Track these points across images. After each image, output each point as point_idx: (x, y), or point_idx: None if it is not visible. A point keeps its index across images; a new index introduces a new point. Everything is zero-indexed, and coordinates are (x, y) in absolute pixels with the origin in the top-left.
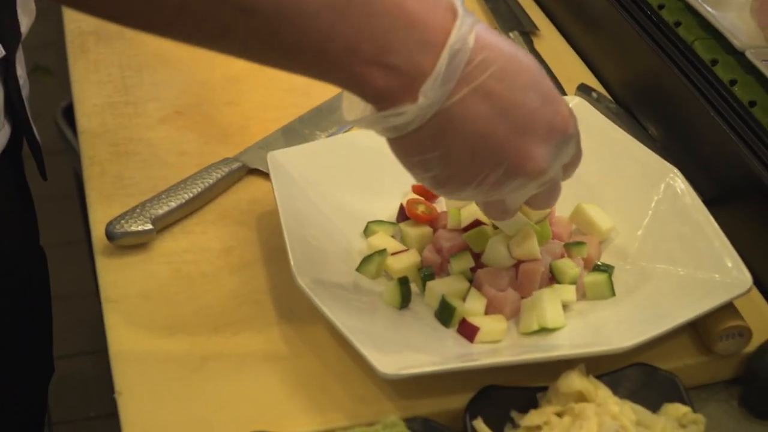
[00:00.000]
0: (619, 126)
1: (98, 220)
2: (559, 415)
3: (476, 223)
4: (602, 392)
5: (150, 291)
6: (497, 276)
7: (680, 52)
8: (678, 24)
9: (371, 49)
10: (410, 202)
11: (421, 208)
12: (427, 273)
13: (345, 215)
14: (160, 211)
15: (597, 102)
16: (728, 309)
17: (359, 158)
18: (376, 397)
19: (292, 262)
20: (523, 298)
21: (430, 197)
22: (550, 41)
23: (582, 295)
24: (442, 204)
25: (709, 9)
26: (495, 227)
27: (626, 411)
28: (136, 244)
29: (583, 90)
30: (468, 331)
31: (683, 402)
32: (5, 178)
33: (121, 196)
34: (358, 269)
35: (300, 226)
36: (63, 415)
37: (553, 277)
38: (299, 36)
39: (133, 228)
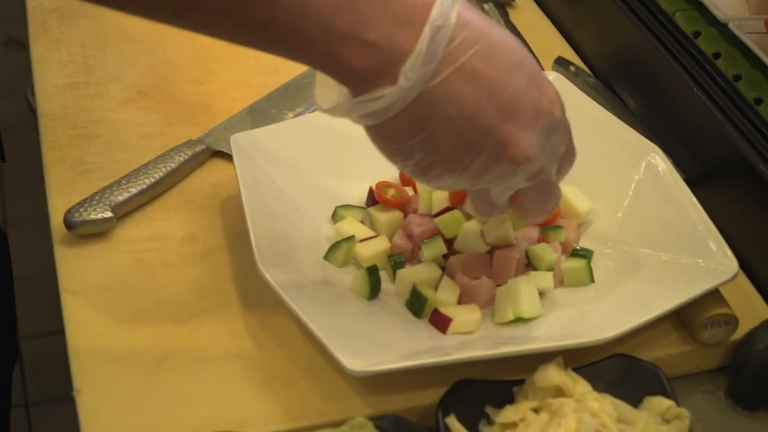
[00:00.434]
0: (598, 102)
1: (57, 207)
2: (536, 410)
3: (449, 208)
4: (581, 387)
5: (110, 282)
6: (471, 263)
7: (661, 23)
8: None
9: (346, 24)
10: (380, 185)
11: (391, 192)
12: (398, 260)
13: (312, 200)
14: (121, 198)
15: (575, 76)
16: (713, 296)
17: (327, 139)
18: (345, 394)
19: (255, 252)
20: (498, 286)
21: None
22: (527, 13)
23: (560, 282)
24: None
25: None
26: (467, 213)
27: (606, 407)
28: (96, 232)
29: (561, 63)
30: (440, 322)
31: (666, 395)
32: None
33: (82, 181)
34: (325, 257)
35: (265, 213)
36: (40, 395)
37: (529, 264)
38: (270, 10)
39: (93, 216)
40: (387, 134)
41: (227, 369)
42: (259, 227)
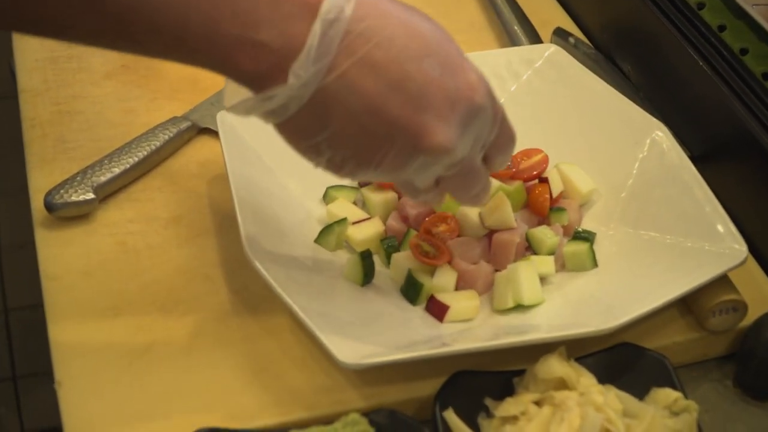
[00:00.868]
0: (599, 75)
1: (38, 188)
2: (538, 403)
3: None
4: (585, 379)
5: (92, 267)
6: (468, 247)
7: None
8: None
9: (234, 27)
10: None
11: None
12: (392, 244)
13: (303, 180)
14: (103, 179)
15: (574, 48)
16: (722, 281)
17: None
18: (339, 385)
19: (243, 237)
20: (497, 271)
21: None
22: None
23: (561, 266)
24: None
25: None
26: None
27: (611, 400)
28: (78, 215)
29: (560, 35)
30: (437, 310)
31: (674, 386)
32: None
33: (63, 160)
34: (316, 241)
35: (253, 195)
36: (28, 368)
37: (529, 247)
38: (152, 19)
39: (74, 198)
40: (292, 132)
41: (214, 359)
42: (247, 209)
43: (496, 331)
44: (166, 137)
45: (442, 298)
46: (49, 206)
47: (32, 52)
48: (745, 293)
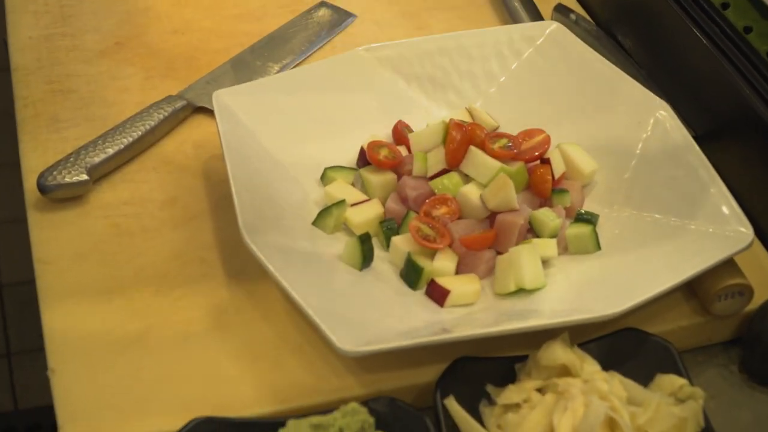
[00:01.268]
0: (601, 53)
1: (31, 168)
2: (541, 390)
3: (445, 170)
4: (588, 366)
5: (86, 250)
6: (470, 230)
7: None
8: None
9: None
10: (371, 145)
11: (383, 152)
12: (391, 227)
13: (300, 161)
14: (97, 159)
15: (575, 25)
16: (727, 265)
17: (316, 95)
18: (337, 372)
19: (240, 219)
20: (498, 254)
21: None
22: None
23: (564, 249)
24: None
25: None
26: (466, 174)
27: (616, 388)
28: (71, 196)
29: (561, 11)
30: (437, 294)
31: (679, 373)
32: None
33: (56, 140)
34: (314, 223)
35: (249, 176)
36: (22, 345)
37: (531, 230)
38: None
39: (67, 179)
40: None
41: (210, 345)
42: (243, 191)
43: (498, 316)
44: (161, 117)
45: (443, 282)
46: (42, 188)
47: (26, 30)
48: (751, 277)
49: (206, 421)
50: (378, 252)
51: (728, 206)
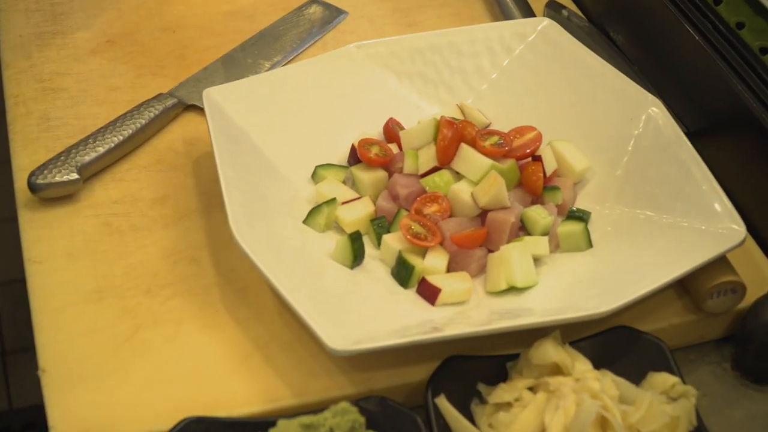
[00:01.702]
0: (593, 49)
1: (22, 167)
2: (532, 389)
3: (436, 168)
4: (580, 364)
5: (76, 249)
6: (461, 228)
7: None
8: None
9: None
10: (362, 142)
11: (374, 150)
12: (382, 225)
13: (291, 159)
14: (87, 158)
15: (568, 21)
16: (720, 262)
17: (306, 93)
18: (327, 371)
19: (230, 218)
20: (490, 252)
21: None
22: None
23: (555, 247)
24: None
25: None
26: (457, 171)
27: (608, 386)
28: (62, 195)
29: (553, 7)
30: (428, 293)
31: (670, 370)
32: None
33: (47, 139)
34: (305, 221)
35: (240, 174)
36: (16, 343)
37: (522, 228)
38: None
39: (58, 178)
40: None
41: (201, 344)
42: (233, 189)
43: (490, 314)
44: (152, 115)
45: (434, 280)
46: (33, 187)
47: (17, 28)
48: (744, 274)
49: (197, 420)
50: (369, 250)
51: (720, 203)
